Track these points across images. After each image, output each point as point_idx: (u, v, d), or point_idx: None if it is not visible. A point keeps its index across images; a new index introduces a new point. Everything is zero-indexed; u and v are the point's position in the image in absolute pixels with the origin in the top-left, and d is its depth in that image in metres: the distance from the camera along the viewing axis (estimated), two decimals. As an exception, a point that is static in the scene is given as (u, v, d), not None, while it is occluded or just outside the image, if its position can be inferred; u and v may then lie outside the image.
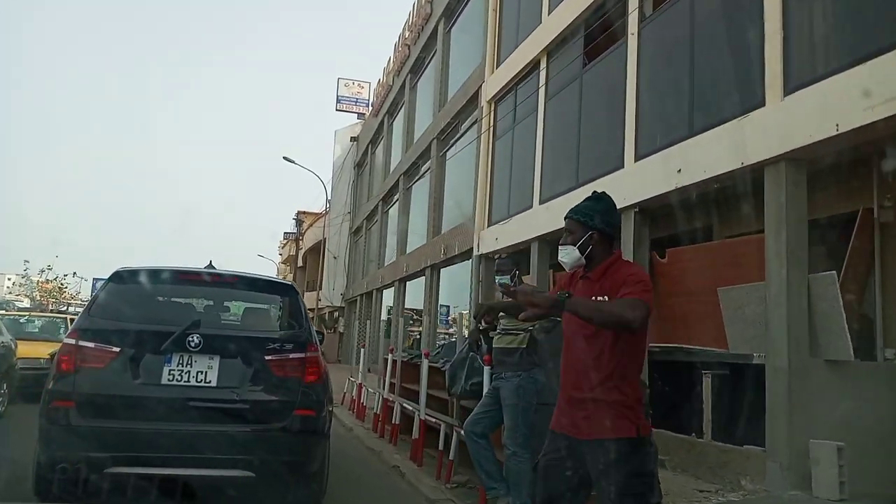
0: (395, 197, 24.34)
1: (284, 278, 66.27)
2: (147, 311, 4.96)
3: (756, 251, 6.85)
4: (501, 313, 5.21)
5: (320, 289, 36.32)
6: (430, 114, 20.15)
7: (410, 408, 7.90)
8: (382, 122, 28.35)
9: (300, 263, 44.47)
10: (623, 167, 8.83)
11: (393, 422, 8.46)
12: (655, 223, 8.65)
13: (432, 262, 17.60)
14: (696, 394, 7.55)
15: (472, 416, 5.16)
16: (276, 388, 4.61)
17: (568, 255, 2.86)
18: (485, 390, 5.36)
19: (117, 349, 4.40)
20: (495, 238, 12.75)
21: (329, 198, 35.81)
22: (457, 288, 17.78)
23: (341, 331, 35.10)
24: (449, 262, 16.50)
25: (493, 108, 13.85)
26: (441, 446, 6.58)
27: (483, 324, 5.37)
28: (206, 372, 4.51)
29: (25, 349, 11.05)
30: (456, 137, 17.36)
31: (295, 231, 63.58)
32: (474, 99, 15.52)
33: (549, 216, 10.64)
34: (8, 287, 44.84)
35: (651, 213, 8.51)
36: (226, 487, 4.68)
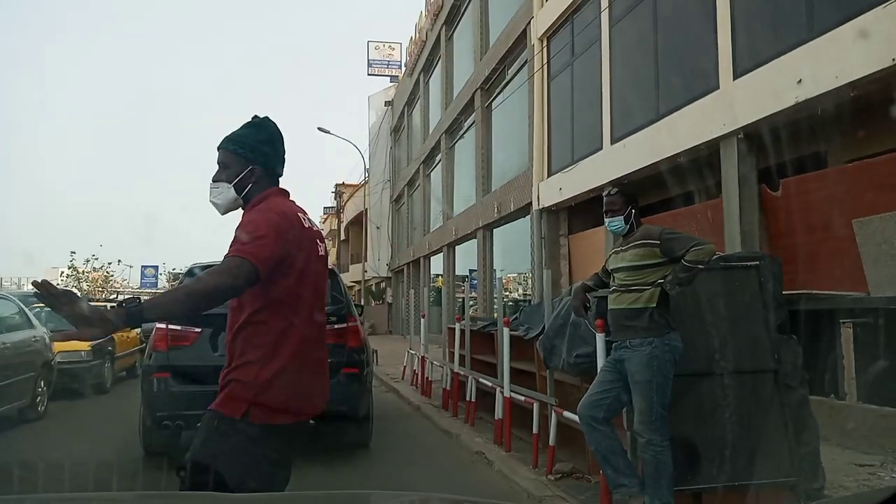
0: (438, 158, 23.13)
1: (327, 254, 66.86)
2: None
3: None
4: (616, 271, 4.04)
5: (365, 260, 35.49)
6: (470, 64, 18.78)
7: (490, 384, 6.82)
8: (418, 81, 27.02)
9: (342, 237, 43.73)
10: (718, 87, 7.47)
11: (468, 399, 7.42)
12: (761, 152, 7.30)
13: (484, 222, 16.43)
14: (830, 347, 6.31)
15: (590, 398, 4.03)
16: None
17: (220, 195, 2.35)
18: (599, 363, 4.22)
19: (198, 329, 5.68)
20: (559, 188, 11.50)
21: (367, 167, 34.81)
22: (512, 249, 16.63)
23: (390, 301, 34.34)
24: (504, 220, 15.30)
25: (545, 45, 12.47)
26: (535, 429, 5.50)
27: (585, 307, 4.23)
28: None
29: (64, 342, 10.37)
30: (502, 85, 16.02)
31: (335, 205, 62.99)
32: (522, 39, 14.14)
33: (624, 156, 9.36)
34: (61, 280, 45.44)
35: (757, 139, 7.15)
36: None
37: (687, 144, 7.78)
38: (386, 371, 13.49)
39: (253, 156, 2.33)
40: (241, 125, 2.41)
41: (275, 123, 2.43)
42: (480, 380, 7.16)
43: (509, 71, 15.53)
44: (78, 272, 41.95)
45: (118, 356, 11.97)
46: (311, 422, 4.86)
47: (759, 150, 7.20)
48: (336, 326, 5.91)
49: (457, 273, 20.95)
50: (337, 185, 39.43)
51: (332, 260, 64.26)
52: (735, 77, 7.22)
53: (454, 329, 8.41)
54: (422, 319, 10.26)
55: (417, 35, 26.77)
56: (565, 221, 12.27)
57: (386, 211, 34.60)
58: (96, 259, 43.34)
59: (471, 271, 19.65)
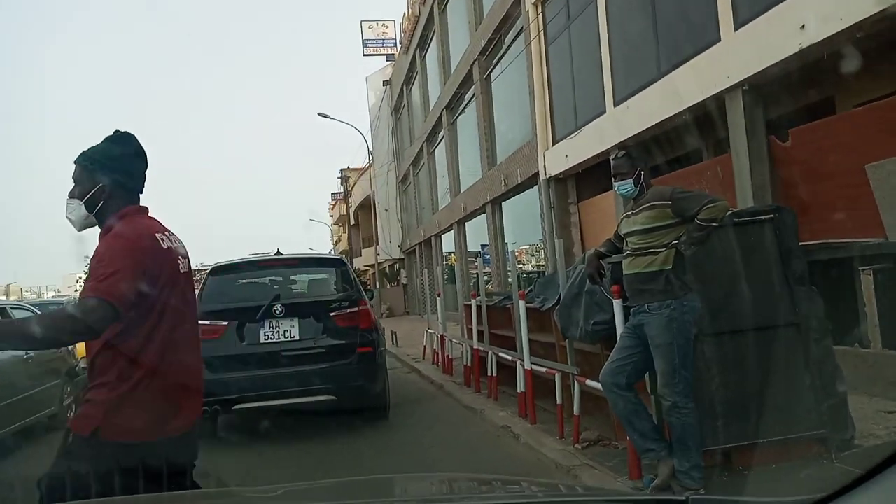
0: (440, 134, 22.98)
1: (339, 240, 66.33)
2: (240, 292, 6.87)
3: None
4: (629, 235, 3.99)
5: (377, 244, 35.52)
6: (465, 36, 18.56)
7: (510, 357, 6.81)
8: (414, 57, 26.77)
9: (353, 222, 43.76)
10: (720, 40, 7.31)
11: (490, 374, 7.43)
12: (768, 103, 7.16)
13: (492, 196, 16.34)
14: (851, 296, 6.23)
15: (611, 365, 4.00)
16: (341, 335, 6.44)
17: (73, 211, 2.28)
18: (618, 330, 4.18)
19: (225, 323, 6.24)
20: (565, 156, 11.39)
21: (370, 149, 34.67)
22: (522, 221, 16.56)
23: (404, 282, 34.42)
24: (511, 193, 15.20)
25: (540, 10, 12.27)
26: (559, 399, 5.49)
27: (600, 274, 4.19)
28: (290, 330, 6.38)
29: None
30: (500, 54, 15.82)
31: (342, 191, 62.82)
32: (516, 6, 13.92)
33: (628, 117, 9.23)
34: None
35: (763, 90, 7.01)
36: (320, 410, 6.36)
37: (691, 101, 7.65)
38: (406, 352, 13.54)
39: (104, 172, 2.22)
40: (102, 139, 2.30)
41: (135, 138, 2.31)
42: (500, 354, 7.14)
43: (506, 40, 15.33)
44: None
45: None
46: (332, 398, 6.17)
47: (765, 101, 7.07)
48: (349, 311, 6.53)
49: (469, 249, 20.92)
50: (342, 171, 39.36)
51: (343, 246, 64.44)
52: (736, 28, 7.06)
53: (470, 306, 8.39)
54: (437, 298, 10.27)
55: (410, 10, 26.48)
56: (573, 189, 12.18)
57: (393, 192, 34.53)
58: None
59: (482, 246, 19.61)
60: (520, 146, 14.07)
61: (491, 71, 16.65)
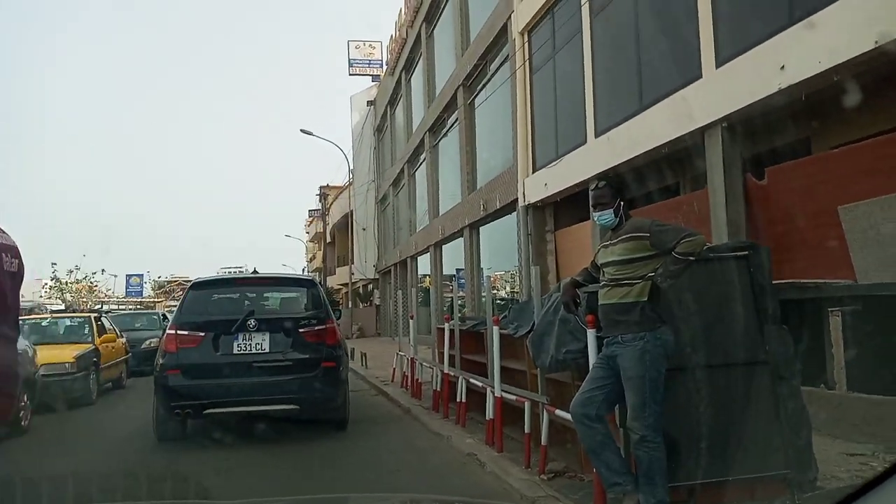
0: (422, 157, 23.02)
1: (313, 257, 65.53)
2: (218, 306, 7.44)
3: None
4: (606, 265, 3.97)
5: (352, 262, 35.33)
6: (451, 61, 18.69)
7: (480, 384, 6.73)
8: (399, 79, 26.90)
9: (328, 239, 43.52)
10: (701, 76, 7.42)
11: (458, 400, 7.33)
12: (746, 140, 7.26)
13: (470, 220, 16.35)
14: (818, 336, 6.27)
15: (582, 395, 3.94)
16: (308, 350, 6.93)
17: None
18: (591, 360, 4.13)
19: (203, 333, 6.78)
20: (544, 184, 11.44)
21: (351, 167, 34.63)
22: (499, 247, 16.56)
23: (377, 303, 34.20)
24: (490, 218, 15.22)
25: (526, 40, 12.40)
26: (527, 428, 5.41)
27: (575, 303, 4.15)
28: (261, 343, 6.87)
29: (48, 354, 10.17)
30: (484, 81, 15.93)
31: (320, 208, 62.52)
32: (503, 34, 14.06)
33: (609, 149, 9.30)
34: (44, 291, 44.42)
35: (741, 127, 7.11)
36: (282, 418, 6.86)
37: (671, 135, 7.73)
38: (375, 374, 13.38)
39: None
40: None
41: None
42: (471, 380, 7.06)
43: (491, 67, 15.45)
44: (61, 283, 41.47)
45: (103, 367, 11.77)
46: (295, 407, 6.56)
47: (743, 139, 7.16)
48: (317, 328, 7.12)
49: (444, 272, 20.87)
50: (321, 188, 39.24)
51: (318, 263, 63.94)
52: (718, 65, 7.18)
53: (443, 329, 8.32)
54: (410, 321, 10.16)
55: (398, 33, 26.66)
56: (551, 217, 12.22)
57: (371, 212, 34.45)
58: (79, 269, 42.91)
59: (458, 270, 19.60)
60: (500, 172, 14.13)
61: (475, 97, 16.76)
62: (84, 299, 41.62)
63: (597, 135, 9.78)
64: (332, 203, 39.54)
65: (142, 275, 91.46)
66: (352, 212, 34.67)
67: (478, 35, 15.92)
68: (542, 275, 12.07)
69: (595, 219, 4.08)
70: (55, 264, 41.96)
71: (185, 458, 6.50)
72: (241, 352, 6.85)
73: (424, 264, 24.16)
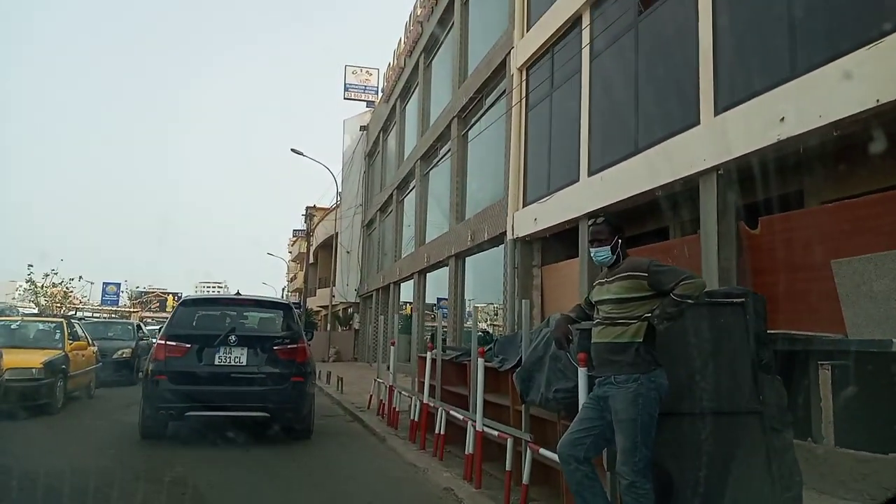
0: (412, 184, 23.01)
1: (294, 277, 65.13)
2: (203, 321, 8.32)
3: (890, 212, 5.50)
4: (601, 303, 3.89)
5: (333, 285, 35.06)
6: (447, 92, 18.80)
7: (461, 416, 6.59)
8: (394, 107, 27.01)
9: (311, 260, 43.24)
10: (699, 123, 7.46)
11: (437, 432, 7.16)
12: (740, 188, 7.28)
13: (457, 250, 16.28)
14: (807, 389, 6.21)
15: (570, 436, 3.83)
16: (281, 365, 7.81)
17: None
18: (580, 399, 4.03)
19: (189, 345, 7.66)
20: (534, 219, 11.41)
21: (339, 190, 34.56)
22: (483, 278, 16.48)
23: (356, 327, 33.86)
24: (477, 249, 15.16)
25: (524, 77, 12.49)
26: (508, 466, 5.27)
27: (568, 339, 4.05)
28: (240, 357, 7.73)
29: (15, 358, 9.87)
30: (479, 114, 16.01)
31: (304, 229, 62.23)
32: (501, 69, 14.17)
33: (601, 188, 9.30)
34: (18, 294, 43.29)
35: (738, 175, 7.13)
36: (255, 422, 7.94)
37: (665, 179, 7.74)
38: (351, 399, 13.13)
39: None
40: None
41: None
42: (451, 412, 6.91)
43: (487, 101, 15.54)
44: (36, 286, 40.48)
45: (72, 375, 11.43)
46: (266, 414, 7.82)
47: (738, 187, 7.17)
48: (289, 346, 8.06)
49: (427, 301, 20.72)
50: (308, 208, 39.07)
51: (299, 283, 63.47)
52: (717, 113, 7.22)
53: (425, 358, 8.17)
54: (391, 347, 9.99)
55: (395, 61, 26.84)
56: (539, 252, 12.17)
57: (357, 235, 34.30)
58: (55, 273, 41.96)
59: (439, 299, 19.47)
60: (490, 204, 14.11)
61: (468, 129, 16.82)
62: (58, 304, 40.71)
63: (590, 174, 9.80)
64: (317, 224, 39.36)
65: (119, 284, 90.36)
66: (337, 234, 34.51)
67: (475, 69, 16.03)
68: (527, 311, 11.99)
69: (592, 255, 4.00)
70: (31, 266, 41.04)
71: (147, 482, 6.24)
72: (222, 363, 7.78)
73: (407, 291, 23.99)
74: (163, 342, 7.90)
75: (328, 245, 40.26)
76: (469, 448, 6.06)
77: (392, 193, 26.05)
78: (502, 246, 13.27)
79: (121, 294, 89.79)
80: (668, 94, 8.12)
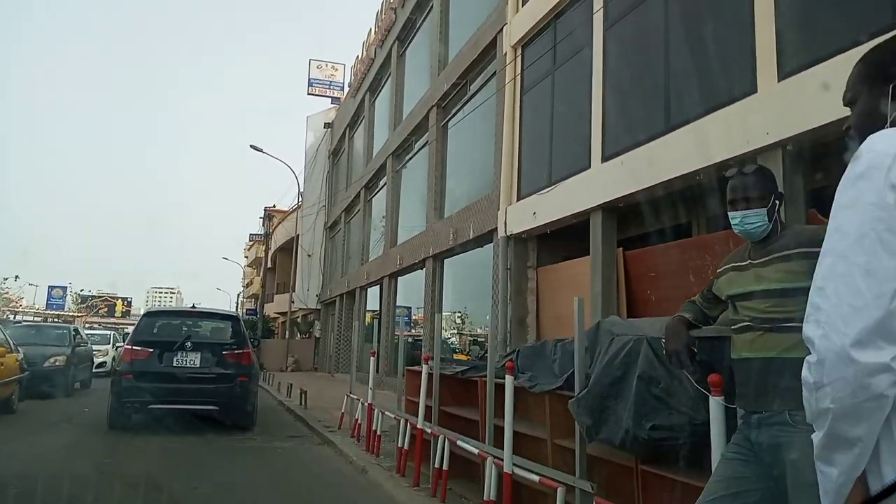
0: (382, 181, 21.52)
1: (250, 282, 62.70)
2: (163, 330, 9.95)
3: None
4: (745, 298, 2.52)
5: (293, 290, 33.20)
6: (424, 82, 17.41)
7: (474, 449, 5.14)
8: (363, 101, 25.50)
9: (269, 264, 41.21)
10: (756, 91, 6.19)
11: (435, 465, 5.70)
12: (811, 166, 6.03)
13: (435, 251, 14.84)
14: None
15: (706, 501, 2.43)
16: (229, 367, 9.45)
17: None
18: (715, 444, 2.63)
19: (151, 349, 9.31)
20: (532, 213, 10.06)
21: (301, 190, 32.81)
22: (465, 281, 15.08)
23: (317, 335, 32.06)
24: (459, 249, 13.75)
25: (519, 54, 11.16)
26: (555, 525, 3.84)
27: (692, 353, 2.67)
28: (194, 360, 9.35)
29: None
30: (463, 101, 14.64)
31: (262, 233, 59.74)
32: (490, 50, 12.84)
33: (619, 174, 8.00)
34: None
35: (804, 151, 5.87)
36: (206, 415, 9.33)
37: (714, 158, 6.44)
38: (317, 416, 11.54)
39: None
40: None
41: None
42: (459, 442, 5.45)
43: (472, 86, 14.19)
44: None
45: (-16, 388, 9.62)
46: (215, 408, 9.22)
47: (809, 164, 5.92)
48: (236, 351, 9.59)
49: (401, 305, 19.23)
50: (267, 209, 37.05)
51: (255, 289, 61.11)
52: (781, 79, 5.96)
53: (417, 372, 6.71)
54: (371, 359, 8.48)
55: (365, 54, 25.35)
56: (534, 251, 10.83)
57: (319, 238, 32.58)
58: None
59: (400, 307, 18.10)
60: (476, 199, 12.72)
61: (449, 118, 15.44)
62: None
63: (605, 158, 8.49)
64: (277, 225, 37.44)
65: (65, 287, 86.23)
66: (298, 236, 32.71)
67: (458, 54, 14.67)
68: (520, 315, 10.64)
69: (736, 222, 2.60)
70: (4, 279, 37.60)
71: None
72: (179, 365, 9.24)
73: (375, 296, 22.48)
74: (129, 347, 9.47)
75: (287, 248, 38.31)
76: (489, 493, 4.61)
77: (359, 192, 24.49)
78: (491, 245, 11.89)
79: (66, 298, 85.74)
80: (714, 58, 6.81)
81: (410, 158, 18.44)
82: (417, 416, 6.47)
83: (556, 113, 10.11)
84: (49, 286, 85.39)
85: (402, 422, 6.82)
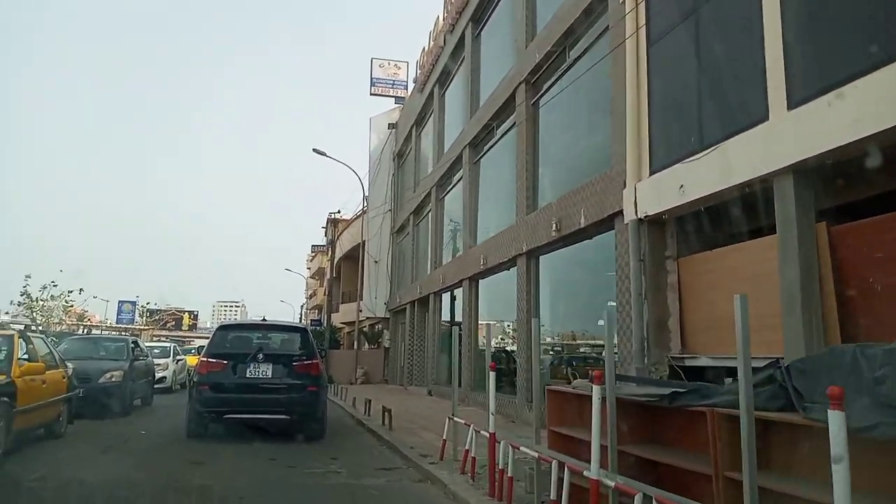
0: (458, 176, 19.66)
1: (313, 294, 62.13)
2: (236, 342, 10.51)
3: None
4: None
5: (360, 299, 31.64)
6: (506, 60, 15.51)
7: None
8: (431, 94, 23.75)
9: (333, 274, 39.88)
10: None
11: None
12: None
13: (530, 246, 12.83)
14: None
15: None
16: (299, 377, 9.85)
17: None
18: None
19: (226, 361, 9.85)
20: (679, 187, 7.95)
21: (366, 194, 31.30)
22: (564, 281, 13.04)
23: (386, 345, 30.39)
24: (560, 243, 11.71)
25: (642, 1, 9.09)
26: None
27: None
28: (266, 371, 9.82)
29: None
30: (559, 72, 12.63)
31: (324, 244, 58.69)
32: (598, 5, 10.84)
33: (823, 122, 5.87)
34: (11, 309, 38.95)
35: None
36: (277, 424, 9.78)
37: None
38: (406, 441, 9.67)
39: None
40: None
41: None
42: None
43: (571, 53, 12.17)
44: (32, 300, 36.63)
45: (20, 410, 8.10)
46: (287, 417, 9.89)
47: None
48: (305, 362, 10.08)
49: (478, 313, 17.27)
50: (331, 214, 35.60)
51: (318, 300, 60.25)
52: None
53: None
54: (490, 373, 6.52)
55: (433, 43, 23.58)
56: (673, 238, 8.72)
57: (386, 243, 30.96)
58: (55, 286, 38.06)
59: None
60: (587, 180, 10.65)
61: (542, 95, 13.45)
62: (56, 320, 37.17)
63: (793, 104, 6.35)
64: (341, 232, 36.04)
65: (134, 301, 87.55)
66: (364, 241, 31.19)
67: (553, 18, 12.68)
68: (659, 318, 8.54)
69: None
70: (29, 277, 37.21)
71: None
72: (252, 376, 9.70)
73: (450, 303, 20.63)
74: (205, 359, 10.00)
75: (352, 256, 36.88)
76: None
77: (430, 191, 22.69)
78: (611, 233, 9.84)
79: (135, 312, 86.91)
80: None
81: (493, 145, 16.49)
82: (573, 457, 4.50)
83: (703, 60, 7.99)
84: (119, 301, 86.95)
85: (555, 465, 4.83)
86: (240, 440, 9.54)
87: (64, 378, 10.13)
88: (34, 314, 36.15)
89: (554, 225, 11.40)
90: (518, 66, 14.28)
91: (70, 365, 11.18)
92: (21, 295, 36.33)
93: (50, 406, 9.40)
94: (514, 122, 14.25)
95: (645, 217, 8.67)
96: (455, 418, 7.75)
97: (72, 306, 39.50)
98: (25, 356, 8.89)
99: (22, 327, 9.75)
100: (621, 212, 9.27)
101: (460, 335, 12.38)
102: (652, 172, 8.71)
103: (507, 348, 15.24)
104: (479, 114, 17.07)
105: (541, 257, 13.04)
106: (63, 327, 36.77)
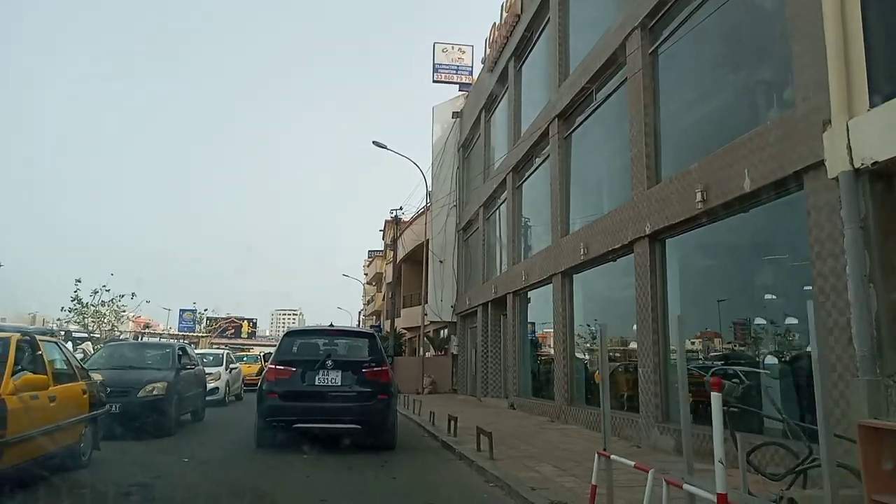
0: (541, 156, 17.19)
1: (371, 299, 60.52)
2: (304, 349, 10.32)
3: None
4: None
5: (425, 302, 29.43)
6: (607, 13, 13.01)
7: None
8: (505, 71, 21.37)
9: (394, 276, 37.81)
10: None
11: None
12: None
13: (656, 225, 10.26)
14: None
15: None
16: (369, 385, 9.61)
17: None
18: None
19: (294, 368, 9.66)
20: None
21: (429, 189, 29.13)
22: (698, 267, 10.45)
23: (454, 352, 28.06)
24: (709, 217, 9.10)
25: None
26: None
27: None
28: (335, 378, 9.60)
29: None
30: (684, 14, 10.06)
31: (381, 249, 56.74)
32: None
33: None
34: (63, 315, 37.59)
35: None
36: (348, 434, 9.53)
37: None
38: (521, 477, 7.25)
39: None
40: None
41: None
42: None
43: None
44: (82, 305, 35.35)
45: (13, 441, 6.04)
46: (357, 426, 9.65)
47: None
48: (375, 369, 9.77)
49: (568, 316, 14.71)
50: (393, 212, 33.44)
51: (377, 305, 58.42)
52: None
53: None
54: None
55: (508, 12, 21.16)
56: (908, 195, 6.09)
57: (451, 242, 28.69)
58: (107, 290, 36.59)
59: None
60: (751, 130, 8.04)
61: (662, 42, 10.90)
62: (107, 326, 35.88)
63: None
64: (404, 230, 33.92)
65: (195, 310, 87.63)
66: (428, 240, 29.00)
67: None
68: (896, 309, 5.89)
69: None
70: (79, 281, 35.72)
71: None
72: (321, 384, 9.57)
73: (535, 303, 18.16)
74: (273, 366, 9.80)
75: (413, 259, 34.77)
76: None
77: (505, 178, 20.28)
78: (796, 195, 7.24)
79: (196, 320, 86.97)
80: None
81: (592, 113, 13.94)
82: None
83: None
84: (180, 309, 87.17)
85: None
86: (296, 485, 7.30)
87: (85, 393, 8.11)
88: (86, 320, 35.06)
89: (699, 195, 8.81)
90: (626, 14, 11.77)
91: (97, 377, 9.20)
92: (72, 300, 35.16)
93: (65, 431, 7.37)
94: (626, 78, 11.70)
95: (867, 167, 6.05)
96: (615, 456, 5.27)
97: (124, 311, 38.15)
98: (30, 366, 6.86)
99: (22, 330, 7.68)
100: (817, 165, 6.67)
101: (597, 336, 10.38)
102: (873, 105, 6.10)
103: (615, 355, 12.66)
104: (572, 78, 14.56)
105: (667, 241, 10.46)
106: (118, 334, 35.68)
